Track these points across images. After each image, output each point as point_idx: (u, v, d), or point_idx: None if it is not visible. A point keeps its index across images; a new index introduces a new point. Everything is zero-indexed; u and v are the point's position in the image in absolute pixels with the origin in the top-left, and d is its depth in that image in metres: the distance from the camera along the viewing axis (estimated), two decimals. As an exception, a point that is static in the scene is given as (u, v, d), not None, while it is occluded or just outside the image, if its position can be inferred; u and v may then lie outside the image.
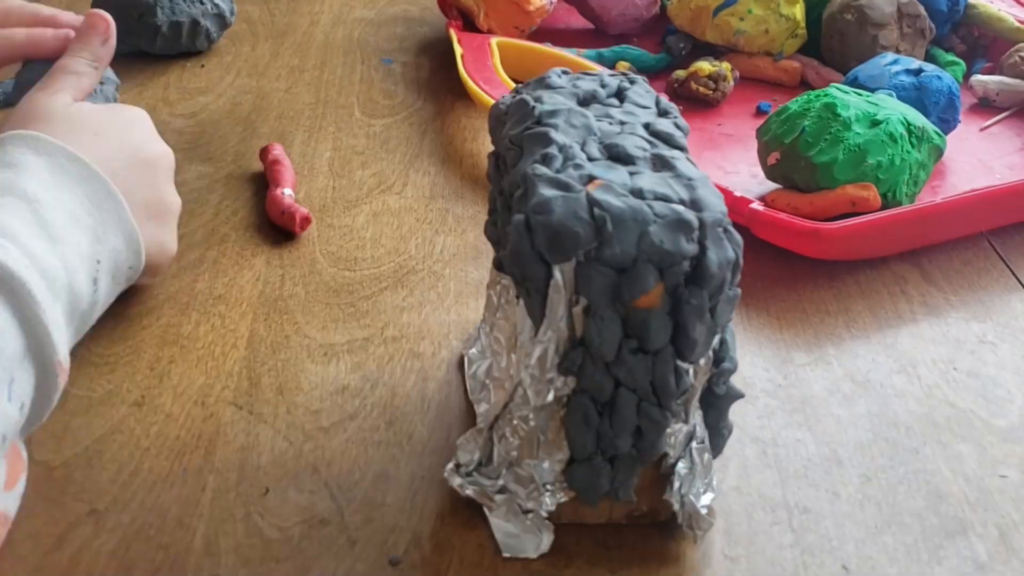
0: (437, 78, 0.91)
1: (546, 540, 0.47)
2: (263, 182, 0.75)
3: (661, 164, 0.46)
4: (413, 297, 0.64)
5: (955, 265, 0.69)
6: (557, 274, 0.43)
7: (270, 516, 0.49)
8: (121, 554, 0.47)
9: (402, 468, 0.52)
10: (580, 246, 0.42)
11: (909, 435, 0.55)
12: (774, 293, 0.66)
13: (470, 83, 0.81)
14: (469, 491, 0.48)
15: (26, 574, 0.46)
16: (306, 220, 0.69)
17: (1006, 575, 0.48)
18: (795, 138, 0.69)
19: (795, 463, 0.53)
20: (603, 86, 0.52)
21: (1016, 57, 0.88)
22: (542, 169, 0.45)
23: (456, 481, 0.49)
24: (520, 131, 0.49)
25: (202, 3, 0.93)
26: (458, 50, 0.86)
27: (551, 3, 0.94)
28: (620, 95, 0.52)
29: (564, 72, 0.54)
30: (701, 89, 0.86)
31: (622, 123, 0.49)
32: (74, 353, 0.58)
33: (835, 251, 0.67)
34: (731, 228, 0.45)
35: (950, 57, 0.91)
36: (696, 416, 0.47)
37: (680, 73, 0.87)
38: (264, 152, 0.76)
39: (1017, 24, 0.91)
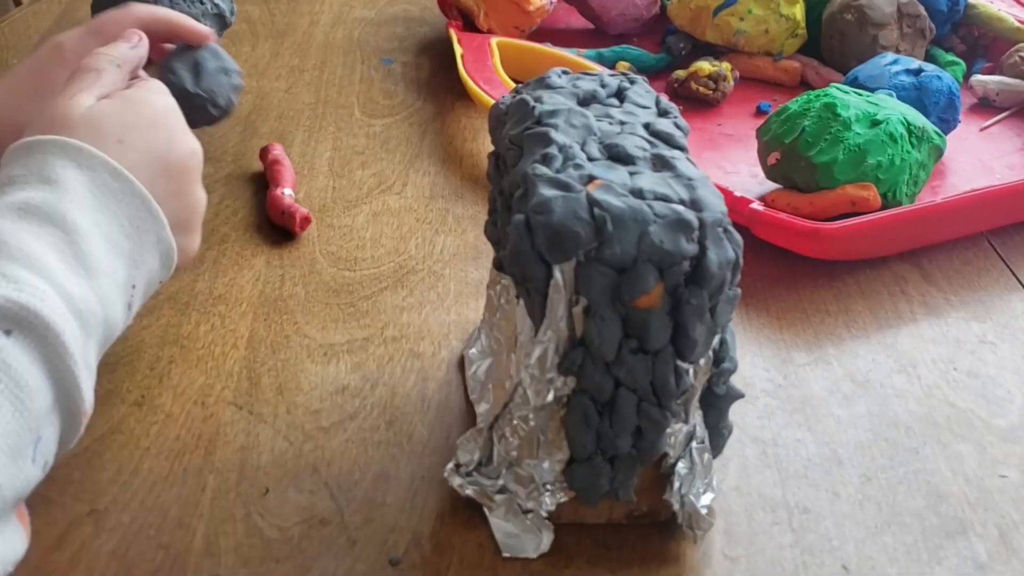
0: (437, 78, 0.91)
1: (546, 540, 0.47)
2: (263, 182, 0.75)
3: (661, 164, 0.46)
4: (413, 297, 0.64)
5: (955, 265, 0.69)
6: (557, 274, 0.43)
7: (270, 516, 0.49)
8: (121, 554, 0.47)
9: (402, 468, 0.52)
10: (580, 246, 0.42)
11: (909, 435, 0.55)
12: (774, 293, 0.66)
13: (470, 83, 0.81)
14: (469, 491, 0.48)
15: (26, 574, 0.46)
16: (306, 220, 0.69)
17: (1006, 575, 0.48)
18: (795, 138, 0.69)
19: (795, 463, 0.53)
20: (603, 86, 0.52)
21: (1016, 57, 0.88)
22: (542, 169, 0.45)
23: (456, 481, 0.49)
24: (520, 131, 0.49)
25: (202, 3, 0.93)
26: (458, 50, 0.86)
27: (551, 3, 0.94)
28: (620, 95, 0.52)
29: (564, 72, 0.54)
30: (701, 89, 0.86)
31: (622, 123, 0.49)
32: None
33: (835, 251, 0.67)
34: (731, 228, 0.45)
35: (950, 57, 0.91)
36: (696, 416, 0.47)
37: (680, 73, 0.87)
38: (264, 152, 0.76)
39: (1017, 24, 0.91)
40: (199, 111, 0.68)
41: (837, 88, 0.72)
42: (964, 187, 0.75)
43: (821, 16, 0.90)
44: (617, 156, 0.47)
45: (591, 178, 0.45)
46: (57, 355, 0.43)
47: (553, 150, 0.46)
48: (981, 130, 0.84)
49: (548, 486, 0.46)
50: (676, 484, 0.47)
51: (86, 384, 0.44)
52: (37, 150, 0.49)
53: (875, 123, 0.69)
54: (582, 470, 0.46)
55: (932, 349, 0.61)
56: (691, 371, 0.45)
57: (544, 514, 0.47)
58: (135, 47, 0.58)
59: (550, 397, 0.45)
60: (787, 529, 0.49)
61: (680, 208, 0.43)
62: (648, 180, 0.45)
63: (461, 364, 0.58)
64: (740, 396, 0.49)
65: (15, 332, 0.42)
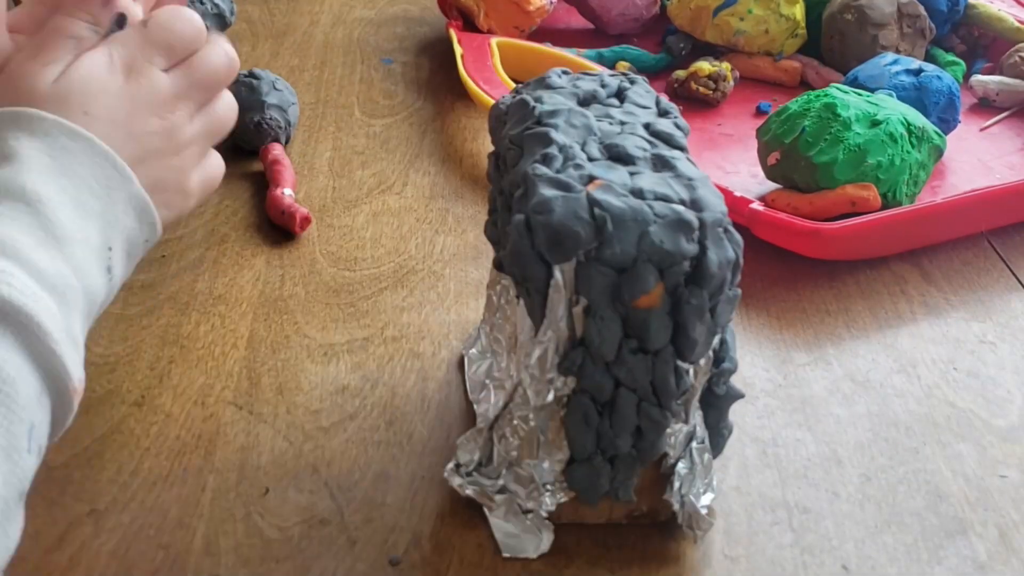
0: (437, 78, 0.91)
1: (546, 540, 0.47)
2: (263, 182, 0.75)
3: (661, 164, 0.46)
4: (413, 297, 0.64)
5: (955, 265, 0.69)
6: (557, 274, 0.43)
7: (270, 516, 0.49)
8: (121, 554, 0.47)
9: (402, 468, 0.52)
10: (580, 246, 0.42)
11: (909, 435, 0.55)
12: (774, 293, 0.66)
13: (470, 83, 0.81)
14: (469, 491, 0.48)
15: (26, 574, 0.46)
16: (306, 220, 0.69)
17: (1006, 575, 0.48)
18: (795, 138, 0.69)
19: (795, 463, 0.53)
20: (603, 86, 0.52)
21: (1016, 57, 0.88)
22: (542, 169, 0.45)
23: (456, 481, 0.49)
24: (520, 131, 0.49)
25: (202, 3, 0.93)
26: (458, 50, 0.86)
27: (551, 3, 0.94)
28: (620, 95, 0.52)
29: (564, 72, 0.54)
30: (701, 89, 0.86)
31: (622, 123, 0.49)
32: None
33: (835, 251, 0.67)
34: (731, 228, 0.45)
35: (950, 57, 0.91)
36: (696, 416, 0.47)
37: (680, 73, 0.87)
38: (264, 152, 0.76)
39: (1017, 24, 0.91)
40: None
41: (837, 88, 0.72)
42: (964, 187, 0.75)
43: (821, 16, 0.90)
44: (617, 156, 0.47)
45: (591, 178, 0.45)
46: (35, 338, 0.41)
47: (553, 150, 0.46)
48: (981, 130, 0.84)
49: (548, 486, 0.46)
50: (676, 484, 0.47)
51: (72, 360, 0.43)
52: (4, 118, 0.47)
53: (875, 123, 0.69)
54: (582, 470, 0.46)
55: (932, 349, 0.61)
56: (691, 371, 0.45)
57: (544, 514, 0.47)
58: (107, 5, 0.52)
59: (550, 397, 0.45)
60: (787, 529, 0.49)
61: (680, 208, 0.43)
62: (648, 180, 0.45)
63: (461, 364, 0.58)
64: (740, 396, 0.49)
65: None
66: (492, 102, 0.60)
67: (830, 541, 0.49)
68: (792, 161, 0.70)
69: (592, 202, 0.43)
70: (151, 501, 0.50)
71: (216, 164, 0.55)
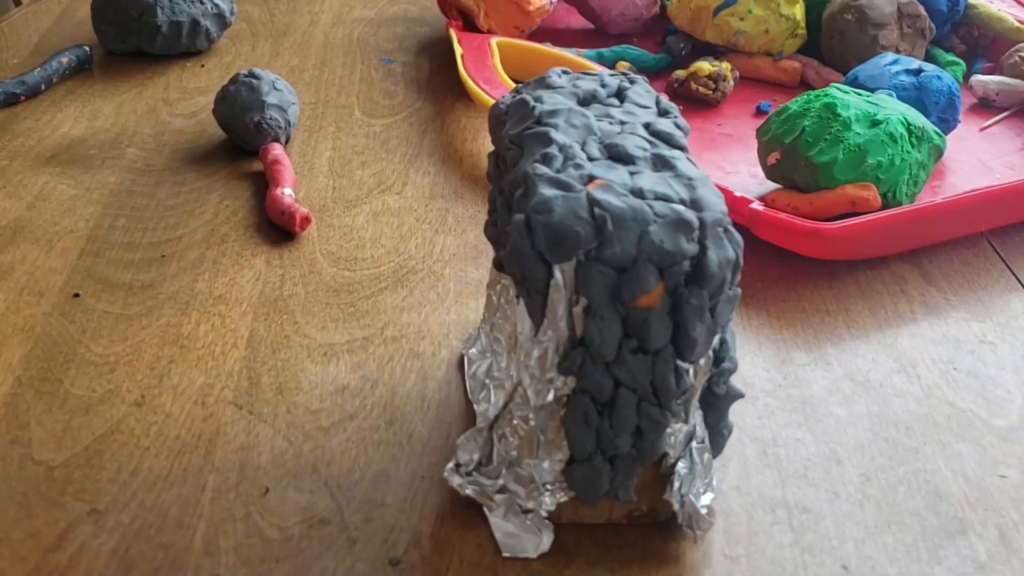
0: (437, 78, 0.91)
1: (546, 540, 0.47)
2: (263, 182, 0.75)
3: (661, 164, 0.46)
4: (413, 297, 0.64)
5: (955, 265, 0.69)
6: (557, 274, 0.43)
7: (270, 516, 0.49)
8: (121, 554, 0.47)
9: (402, 468, 0.52)
10: (580, 246, 0.42)
11: (909, 435, 0.55)
12: (774, 293, 0.66)
13: (470, 83, 0.81)
14: (469, 491, 0.48)
15: (26, 574, 0.46)
16: (306, 220, 0.69)
17: (1006, 575, 0.48)
18: (795, 138, 0.69)
19: (795, 463, 0.53)
20: (603, 86, 0.52)
21: (1016, 57, 0.88)
22: (542, 169, 0.45)
23: (456, 481, 0.49)
24: (520, 131, 0.49)
25: (202, 3, 0.94)
26: (458, 50, 0.86)
27: (551, 3, 0.94)
28: (620, 95, 0.52)
29: (564, 72, 0.54)
30: (701, 89, 0.86)
31: (622, 123, 0.49)
32: (75, 353, 0.58)
33: (835, 251, 0.67)
34: (731, 228, 0.45)
35: (950, 57, 0.91)
36: (696, 416, 0.47)
37: (680, 73, 0.87)
38: (264, 152, 0.76)
39: (1017, 24, 0.91)
40: None
41: (837, 88, 0.72)
42: (964, 187, 0.75)
43: (821, 16, 0.90)
44: (617, 156, 0.47)
45: (591, 178, 0.45)
46: None
47: (553, 150, 0.46)
48: (981, 130, 0.84)
49: (548, 486, 0.46)
50: (676, 484, 0.47)
51: None
52: None
53: (875, 123, 0.69)
54: (582, 470, 0.46)
55: (932, 349, 0.61)
56: (691, 371, 0.45)
57: (544, 514, 0.47)
58: None
59: (550, 397, 0.45)
60: (787, 529, 0.49)
61: (680, 208, 0.43)
62: (648, 180, 0.45)
63: (461, 364, 0.58)
64: (740, 396, 0.49)
65: None
66: (492, 102, 0.60)
67: (830, 541, 0.49)
68: (792, 161, 0.70)
69: (592, 202, 0.43)
70: (151, 501, 0.50)
71: None
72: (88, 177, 0.76)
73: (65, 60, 0.90)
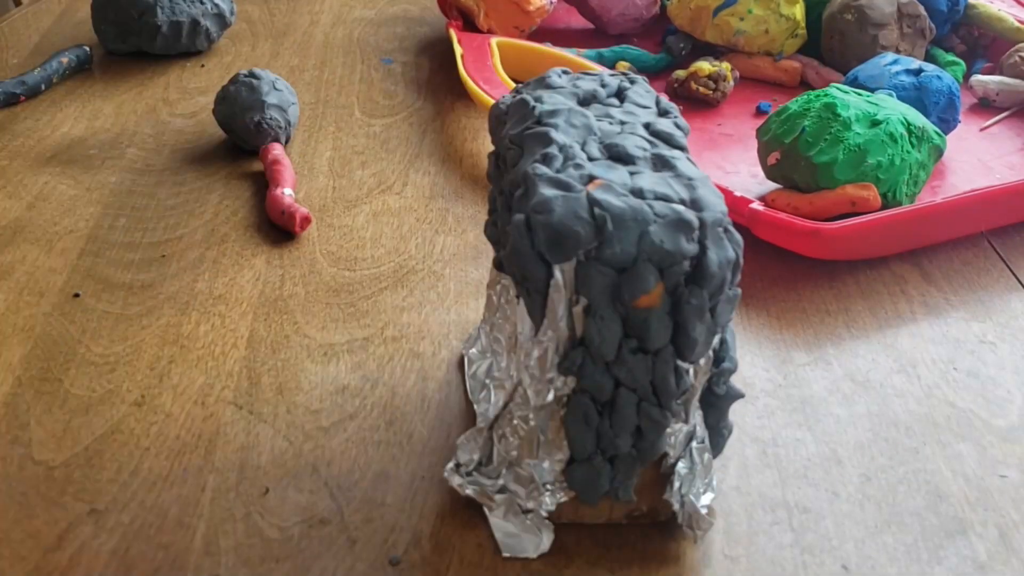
0: (437, 78, 0.91)
1: (546, 540, 0.47)
2: (263, 182, 0.75)
3: (661, 164, 0.46)
4: (413, 297, 0.64)
5: (955, 265, 0.69)
6: (557, 274, 0.43)
7: (270, 516, 0.49)
8: (121, 554, 0.47)
9: (402, 468, 0.52)
10: (580, 246, 0.42)
11: (909, 435, 0.55)
12: (774, 293, 0.66)
13: (470, 83, 0.81)
14: (469, 491, 0.48)
15: (26, 574, 0.46)
16: (306, 220, 0.69)
17: (1006, 575, 0.48)
18: (795, 138, 0.69)
19: (795, 463, 0.53)
20: (603, 86, 0.52)
21: (1016, 57, 0.88)
22: (542, 169, 0.45)
23: (456, 481, 0.49)
24: (520, 131, 0.49)
25: (202, 3, 0.94)
26: (458, 50, 0.86)
27: (551, 3, 0.94)
28: (620, 95, 0.52)
29: (564, 72, 0.54)
30: (701, 89, 0.86)
31: (622, 123, 0.49)
32: (75, 353, 0.58)
33: (835, 251, 0.67)
34: (731, 228, 0.45)
35: (950, 57, 0.91)
36: (696, 416, 0.47)
37: (680, 73, 0.87)
38: (264, 152, 0.76)
39: (1017, 24, 0.91)
40: None
41: (837, 88, 0.72)
42: (964, 187, 0.75)
43: (821, 16, 0.90)
44: (617, 156, 0.47)
45: (591, 178, 0.45)
46: None
47: (553, 150, 0.46)
48: (981, 130, 0.84)
49: (548, 486, 0.46)
50: (676, 484, 0.47)
51: None
52: None
53: (875, 123, 0.69)
54: (582, 470, 0.46)
55: (932, 349, 0.61)
56: (691, 371, 0.45)
57: (544, 514, 0.47)
58: None
59: (550, 397, 0.45)
60: (787, 529, 0.49)
61: (680, 208, 0.43)
62: (648, 180, 0.45)
63: (461, 364, 0.58)
64: (740, 396, 0.49)
65: None
66: (492, 102, 0.60)
67: (830, 541, 0.49)
68: (792, 161, 0.70)
69: (592, 202, 0.43)
70: (151, 501, 0.50)
71: None
72: (88, 177, 0.76)
73: (65, 60, 0.90)
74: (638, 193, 0.44)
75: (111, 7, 0.92)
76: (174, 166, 0.78)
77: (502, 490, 0.48)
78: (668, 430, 0.46)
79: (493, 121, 0.53)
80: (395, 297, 0.64)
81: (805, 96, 0.72)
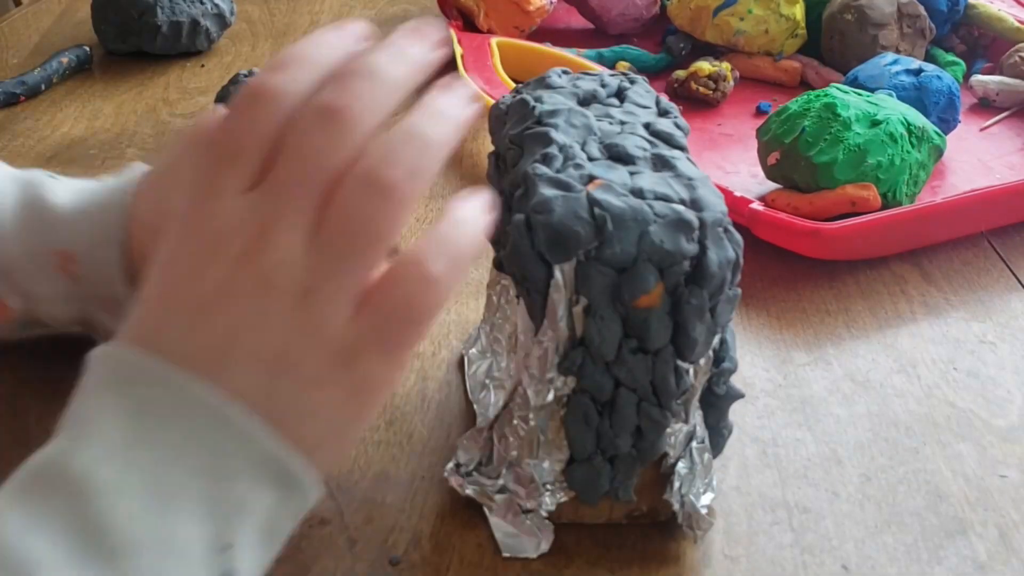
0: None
1: (546, 540, 0.47)
2: (263, 182, 0.75)
3: (661, 164, 0.46)
4: (413, 297, 0.64)
5: (955, 265, 0.69)
6: (557, 274, 0.43)
7: (270, 516, 0.49)
8: (121, 554, 0.47)
9: (402, 468, 0.52)
10: (580, 246, 0.42)
11: (909, 435, 0.55)
12: (774, 293, 0.66)
13: (470, 83, 0.81)
14: (469, 491, 0.48)
15: (26, 574, 0.46)
16: (306, 220, 0.69)
17: (1006, 575, 0.47)
18: (795, 138, 0.69)
19: (795, 463, 0.53)
20: (603, 86, 0.52)
21: (1016, 57, 0.88)
22: (542, 169, 0.45)
23: (456, 481, 0.49)
24: (520, 131, 0.49)
25: (202, 3, 0.94)
26: (458, 50, 0.86)
27: (551, 3, 0.94)
28: (620, 95, 0.52)
29: (564, 72, 0.54)
30: (701, 89, 0.86)
31: (622, 123, 0.49)
32: (75, 354, 0.58)
33: (835, 251, 0.67)
34: (731, 228, 0.45)
35: (950, 57, 0.91)
36: (696, 416, 0.47)
37: (680, 73, 0.87)
38: (264, 152, 0.76)
39: (1017, 24, 0.91)
40: None
41: (837, 88, 0.72)
42: (964, 187, 0.75)
43: (821, 16, 0.90)
44: (617, 156, 0.47)
45: (591, 178, 0.45)
46: None
47: (553, 150, 0.46)
48: (981, 130, 0.84)
49: (548, 486, 0.46)
50: (676, 484, 0.47)
51: None
52: (89, 367, 0.35)
53: (875, 123, 0.69)
54: (582, 470, 0.46)
55: (932, 349, 0.61)
56: (691, 371, 0.45)
57: (544, 514, 0.47)
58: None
59: (550, 397, 0.45)
60: (787, 529, 0.49)
61: (680, 208, 0.43)
62: (648, 180, 0.45)
63: (461, 364, 0.58)
64: (740, 396, 0.49)
65: None
66: (492, 102, 0.60)
67: (830, 541, 0.49)
68: (792, 161, 0.70)
69: (592, 202, 0.43)
70: (151, 501, 0.50)
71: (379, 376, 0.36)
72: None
73: (65, 60, 0.90)
74: (638, 193, 0.44)
75: (111, 7, 0.92)
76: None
77: (502, 490, 0.48)
78: (668, 430, 0.46)
79: (493, 121, 0.53)
80: (395, 297, 0.64)
81: (805, 96, 0.72)
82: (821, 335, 0.62)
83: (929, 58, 0.90)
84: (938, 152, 0.73)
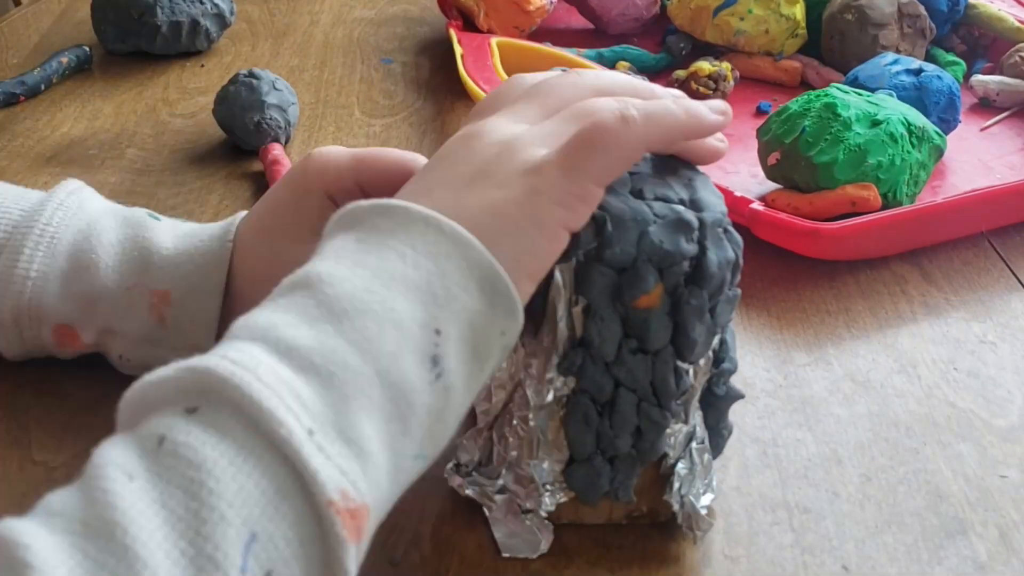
0: (437, 78, 0.91)
1: (546, 540, 0.47)
2: (263, 182, 0.75)
3: (661, 164, 0.46)
4: (413, 297, 0.64)
5: (955, 265, 0.69)
6: (557, 274, 0.43)
7: (270, 516, 0.49)
8: (121, 554, 0.47)
9: (402, 468, 0.52)
10: (580, 246, 0.42)
11: (909, 435, 0.55)
12: (774, 293, 0.66)
13: (470, 83, 0.81)
14: (469, 491, 0.48)
15: (26, 574, 0.46)
16: (306, 220, 0.69)
17: (1006, 575, 0.47)
18: (795, 138, 0.69)
19: (795, 463, 0.53)
20: (603, 86, 0.52)
21: (1016, 57, 0.88)
22: (542, 169, 0.45)
23: (456, 481, 0.49)
24: (520, 131, 0.49)
25: (202, 3, 0.94)
26: (458, 50, 0.86)
27: (551, 3, 0.94)
28: (620, 95, 0.52)
29: (564, 72, 0.54)
30: (701, 89, 0.86)
31: (622, 123, 0.49)
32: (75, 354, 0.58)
33: (835, 251, 0.67)
34: (731, 228, 0.45)
35: (950, 57, 0.91)
36: (696, 416, 0.47)
37: (680, 73, 0.87)
38: (264, 152, 0.76)
39: (1017, 24, 0.91)
40: None
41: (837, 88, 0.72)
42: (964, 187, 0.75)
43: (821, 16, 0.90)
44: (617, 156, 0.47)
45: (591, 178, 0.44)
46: (254, 422, 0.32)
47: (553, 150, 0.46)
48: (981, 130, 0.84)
49: (548, 486, 0.46)
50: (676, 484, 0.47)
51: (318, 461, 0.32)
52: (324, 230, 0.40)
53: (875, 123, 0.69)
54: (582, 470, 0.46)
55: (932, 349, 0.61)
56: (691, 371, 0.45)
57: (544, 514, 0.47)
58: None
59: (550, 397, 0.45)
60: (787, 529, 0.49)
61: (680, 208, 0.43)
62: (648, 180, 0.45)
63: (461, 364, 0.58)
64: (740, 396, 0.49)
65: (203, 407, 0.33)
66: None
67: (830, 541, 0.49)
68: (792, 161, 0.70)
69: (592, 202, 0.43)
70: (151, 501, 0.50)
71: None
72: (88, 177, 0.76)
73: (65, 60, 0.90)
74: (638, 193, 0.44)
75: (111, 7, 0.92)
76: (174, 166, 0.78)
77: (502, 490, 0.48)
78: (668, 431, 0.46)
79: (493, 121, 0.53)
80: (395, 297, 0.64)
81: (805, 96, 0.72)
82: (821, 335, 0.62)
83: (929, 58, 0.90)
84: (938, 152, 0.73)
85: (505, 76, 0.83)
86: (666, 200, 0.44)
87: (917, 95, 0.77)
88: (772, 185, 0.73)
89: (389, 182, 0.48)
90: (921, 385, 0.59)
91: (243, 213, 0.55)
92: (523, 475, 0.47)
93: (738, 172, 0.77)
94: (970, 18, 0.93)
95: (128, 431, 0.34)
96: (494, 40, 0.88)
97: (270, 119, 0.77)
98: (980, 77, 0.87)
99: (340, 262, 0.37)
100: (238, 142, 0.78)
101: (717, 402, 0.48)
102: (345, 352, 0.34)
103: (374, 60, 0.95)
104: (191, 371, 0.33)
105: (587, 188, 0.41)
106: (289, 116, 0.78)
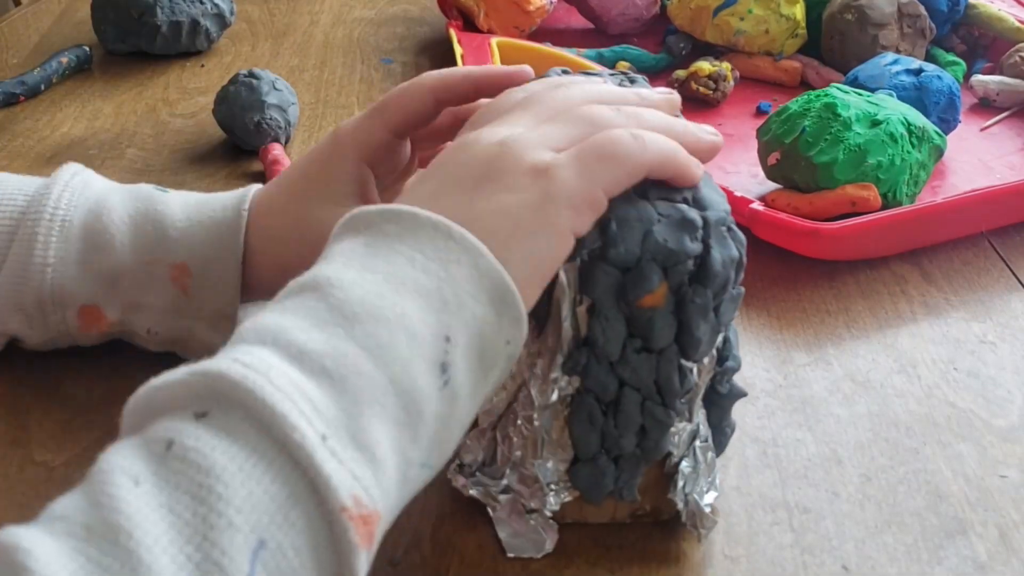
0: (437, 78, 0.91)
1: (550, 540, 0.47)
2: (263, 182, 0.75)
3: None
4: (414, 297, 0.64)
5: (955, 265, 0.69)
6: (561, 274, 0.43)
7: (271, 516, 0.49)
8: (122, 554, 0.47)
9: (403, 468, 0.52)
10: (584, 246, 0.42)
11: (909, 435, 0.55)
12: (774, 293, 0.66)
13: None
14: (473, 491, 0.48)
15: (27, 574, 0.46)
16: (306, 220, 0.69)
17: (1006, 575, 0.48)
18: (795, 138, 0.69)
19: (795, 463, 0.53)
20: (604, 86, 0.52)
21: (1016, 57, 0.88)
22: (544, 169, 0.45)
23: (460, 481, 0.49)
24: (522, 131, 0.49)
25: (202, 3, 0.94)
26: (458, 50, 0.86)
27: (551, 3, 0.94)
28: (621, 95, 0.52)
29: (564, 72, 0.54)
30: (701, 89, 0.86)
31: (624, 123, 0.49)
32: (75, 352, 0.58)
33: (835, 251, 0.67)
34: (734, 227, 0.45)
35: (950, 57, 0.91)
36: (700, 415, 0.47)
37: (680, 73, 0.87)
38: (264, 152, 0.76)
39: (1017, 24, 0.92)
40: None
41: (837, 88, 0.72)
42: (964, 187, 0.75)
43: (821, 16, 0.90)
44: (619, 156, 0.47)
45: (593, 178, 0.44)
46: (266, 426, 0.32)
47: (555, 150, 0.46)
48: (981, 130, 0.84)
49: (552, 486, 0.46)
50: (680, 483, 0.47)
51: (331, 465, 0.32)
52: (331, 234, 0.40)
53: (875, 123, 0.69)
54: (586, 470, 0.46)
55: (932, 349, 0.62)
56: (695, 370, 0.45)
57: (548, 514, 0.47)
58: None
59: (554, 397, 0.45)
60: (787, 529, 0.49)
61: (684, 207, 0.43)
62: (651, 179, 0.45)
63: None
64: (743, 395, 0.49)
65: (213, 411, 0.33)
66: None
67: (830, 541, 0.49)
68: (792, 161, 0.70)
69: (595, 202, 0.43)
70: (152, 501, 0.50)
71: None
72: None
73: (65, 60, 0.90)
74: (641, 193, 0.44)
75: (111, 7, 0.92)
76: (174, 166, 0.78)
77: (506, 490, 0.48)
78: (672, 429, 0.46)
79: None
80: (396, 297, 0.64)
81: (805, 96, 0.72)
82: (821, 335, 0.62)
83: (929, 58, 0.90)
84: (938, 152, 0.73)
85: (505, 76, 0.83)
86: (669, 199, 0.44)
87: (917, 95, 0.77)
88: (772, 185, 0.73)
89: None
90: (921, 385, 0.59)
91: (257, 185, 0.55)
92: (527, 475, 0.47)
93: (738, 172, 0.77)
94: (970, 18, 0.93)
95: (135, 435, 0.34)
96: (494, 40, 0.88)
97: (270, 119, 0.77)
98: (980, 77, 0.87)
99: (349, 266, 0.37)
100: (238, 142, 0.78)
101: (720, 400, 0.48)
102: (357, 357, 0.34)
103: (374, 60, 0.95)
104: (202, 375, 0.33)
105: (597, 194, 0.41)
106: (289, 116, 0.78)
